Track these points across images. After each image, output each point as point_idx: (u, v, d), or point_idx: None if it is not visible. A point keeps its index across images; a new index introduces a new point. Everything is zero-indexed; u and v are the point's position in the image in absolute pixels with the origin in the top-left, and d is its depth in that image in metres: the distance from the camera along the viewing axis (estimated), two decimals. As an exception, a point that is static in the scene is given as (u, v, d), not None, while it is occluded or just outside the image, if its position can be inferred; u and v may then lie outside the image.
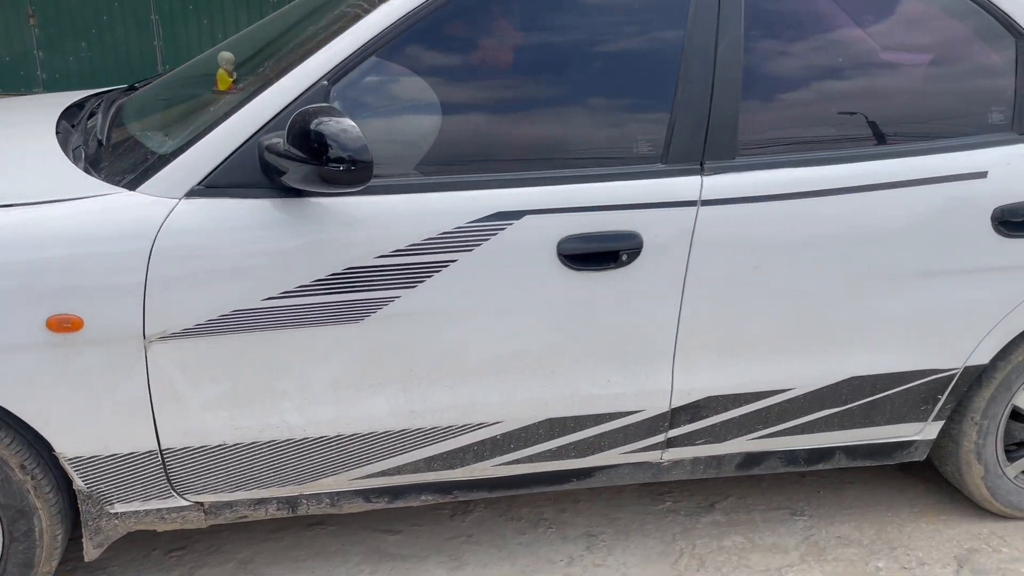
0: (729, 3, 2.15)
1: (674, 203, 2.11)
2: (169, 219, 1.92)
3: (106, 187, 1.97)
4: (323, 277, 1.96)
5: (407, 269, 2.00)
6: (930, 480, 2.85)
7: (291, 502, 2.20)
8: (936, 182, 2.22)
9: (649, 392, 2.23)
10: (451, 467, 2.22)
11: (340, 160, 1.79)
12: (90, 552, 2.14)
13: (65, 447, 2.00)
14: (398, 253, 1.99)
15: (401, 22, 2.02)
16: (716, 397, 2.27)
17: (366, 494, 2.23)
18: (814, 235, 2.18)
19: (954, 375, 2.38)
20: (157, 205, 1.93)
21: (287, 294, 1.96)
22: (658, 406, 2.25)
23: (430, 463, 2.20)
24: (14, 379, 1.91)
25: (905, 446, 2.50)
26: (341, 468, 2.15)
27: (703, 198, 2.12)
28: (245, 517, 2.19)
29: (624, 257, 2.09)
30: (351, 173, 1.80)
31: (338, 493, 2.21)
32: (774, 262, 2.17)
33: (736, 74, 2.16)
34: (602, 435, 2.26)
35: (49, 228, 1.88)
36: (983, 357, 2.38)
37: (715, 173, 2.14)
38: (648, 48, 2.16)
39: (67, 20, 8.58)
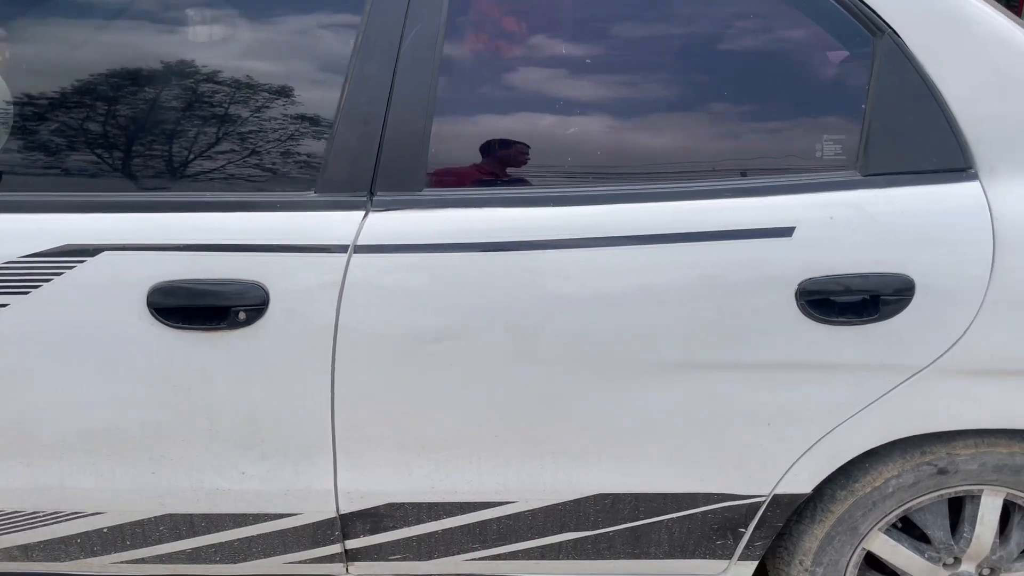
0: None
1: (316, 247, 1.54)
2: None
3: None
4: None
5: (-61, 313, 1.54)
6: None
7: None
8: (715, 239, 1.55)
9: (303, 492, 1.68)
10: (56, 559, 1.75)
11: None
12: None
13: None
14: (-75, 292, 1.53)
15: (-36, -10, 1.55)
16: (401, 505, 1.70)
17: (-42, 580, 1.81)
18: (529, 301, 1.56)
19: (759, 504, 1.70)
20: None
21: None
22: (320, 510, 1.70)
23: (27, 551, 1.74)
24: None
25: (704, 587, 1.83)
26: (-90, 549, 1.73)
27: (359, 242, 1.54)
28: None
29: (241, 316, 1.55)
30: None
31: (-79, 576, 1.80)
32: (468, 334, 1.57)
33: (428, 77, 1.56)
34: (250, 540, 1.73)
35: None
36: (801, 485, 1.69)
37: (385, 209, 1.56)
38: (308, 40, 1.60)
39: None
